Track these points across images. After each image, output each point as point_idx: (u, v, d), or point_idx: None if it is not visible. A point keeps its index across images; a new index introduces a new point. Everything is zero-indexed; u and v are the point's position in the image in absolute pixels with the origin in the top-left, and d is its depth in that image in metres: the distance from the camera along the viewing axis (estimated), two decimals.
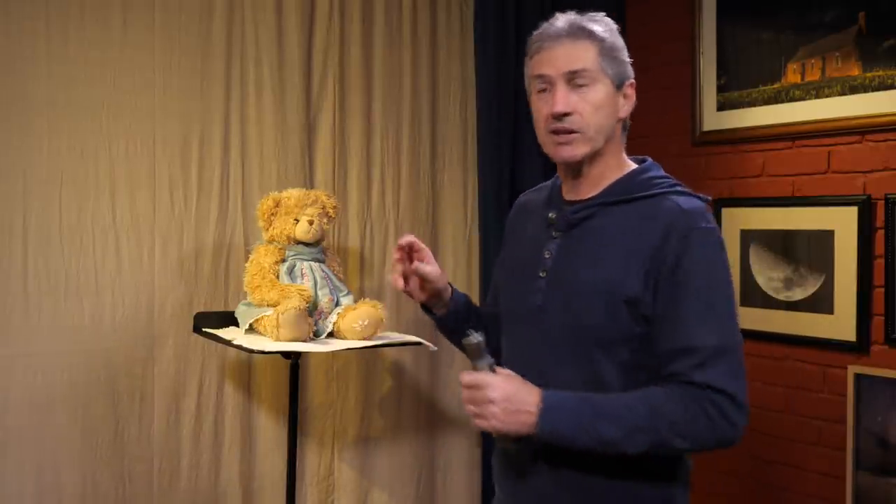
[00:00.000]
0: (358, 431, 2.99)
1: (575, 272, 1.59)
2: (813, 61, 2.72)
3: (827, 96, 2.67)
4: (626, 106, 1.63)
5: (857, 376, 2.57)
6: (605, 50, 1.58)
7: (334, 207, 2.64)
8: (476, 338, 1.52)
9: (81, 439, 2.55)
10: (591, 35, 1.58)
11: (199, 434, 2.72)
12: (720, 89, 2.98)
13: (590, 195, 1.64)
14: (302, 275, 2.54)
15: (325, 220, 2.61)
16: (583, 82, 1.57)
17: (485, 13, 3.04)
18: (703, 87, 3.02)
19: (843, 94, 2.63)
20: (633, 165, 1.67)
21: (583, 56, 1.56)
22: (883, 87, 2.53)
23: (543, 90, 1.60)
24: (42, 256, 2.50)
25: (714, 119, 3.00)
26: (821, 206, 2.69)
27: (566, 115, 1.56)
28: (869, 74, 2.56)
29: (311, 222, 2.54)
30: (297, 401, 2.57)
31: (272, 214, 2.57)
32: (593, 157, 1.61)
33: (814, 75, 2.72)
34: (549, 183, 1.77)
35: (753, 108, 2.88)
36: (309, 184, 2.88)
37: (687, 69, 3.08)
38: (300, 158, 2.87)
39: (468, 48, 3.13)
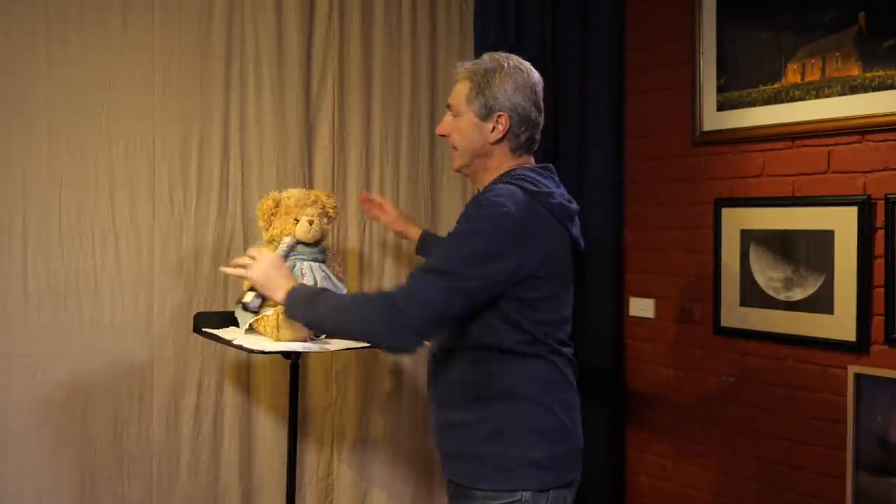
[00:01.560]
0: (357, 431, 3.00)
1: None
2: (813, 61, 2.72)
3: (827, 96, 2.67)
4: (492, 133, 1.97)
5: (857, 376, 2.57)
6: (476, 87, 1.97)
7: (334, 207, 2.64)
8: (287, 238, 2.34)
9: (81, 439, 2.56)
10: (467, 75, 1.99)
11: (199, 434, 2.73)
12: (720, 89, 2.98)
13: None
14: (302, 275, 2.54)
15: (325, 220, 2.60)
16: (454, 112, 2.01)
17: (485, 13, 3.04)
18: (703, 87, 3.02)
19: (843, 94, 2.63)
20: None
21: (457, 91, 2.00)
22: (883, 87, 2.53)
23: None
24: (42, 257, 2.50)
25: (714, 119, 3.00)
26: (821, 206, 2.69)
27: (444, 136, 2.03)
28: (869, 74, 2.56)
29: (311, 222, 2.54)
30: (296, 401, 2.57)
31: (272, 214, 2.57)
32: (471, 171, 2.03)
33: (814, 75, 2.71)
34: None
35: (753, 108, 2.88)
36: (308, 184, 2.88)
37: (687, 69, 3.08)
38: (300, 158, 2.87)
39: (468, 48, 3.13)
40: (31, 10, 2.48)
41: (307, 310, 1.94)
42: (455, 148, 2.01)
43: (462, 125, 1.99)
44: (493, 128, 1.97)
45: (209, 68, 2.73)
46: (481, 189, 2.01)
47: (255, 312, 2.24)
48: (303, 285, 2.03)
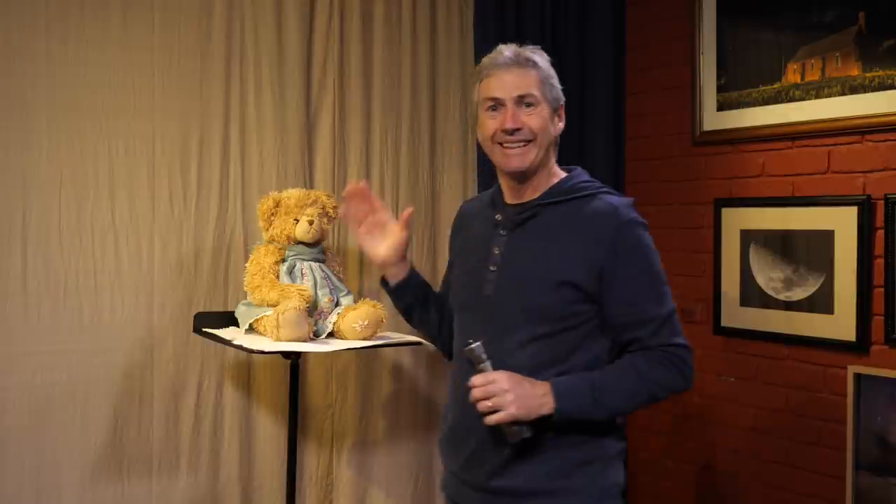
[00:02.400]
0: (357, 432, 2.99)
1: (525, 263, 1.83)
2: (813, 61, 2.72)
3: (827, 96, 2.67)
4: (559, 125, 1.89)
5: (857, 376, 2.57)
6: (544, 78, 1.85)
7: (334, 207, 2.64)
8: (476, 344, 1.75)
9: (81, 439, 2.56)
10: (534, 65, 1.85)
11: (199, 434, 2.72)
12: (720, 89, 2.98)
13: (531, 199, 1.88)
14: (302, 275, 2.54)
15: (325, 220, 2.61)
16: (530, 102, 1.83)
17: (485, 13, 3.04)
18: (703, 87, 3.02)
19: (842, 94, 2.63)
20: (563, 174, 1.92)
21: (529, 83, 1.83)
22: (883, 87, 2.53)
23: (493, 108, 1.85)
24: (42, 256, 2.50)
25: (714, 119, 3.00)
26: (820, 206, 2.69)
27: (517, 130, 1.82)
28: (869, 74, 2.56)
29: (311, 222, 2.54)
30: (296, 401, 2.57)
31: (272, 214, 2.58)
32: (536, 167, 1.85)
33: (814, 75, 2.72)
34: (488, 192, 2.02)
35: (753, 108, 2.88)
36: (309, 184, 2.88)
37: (687, 69, 3.08)
38: (300, 158, 2.87)
39: (468, 48, 3.13)
40: (31, 9, 2.48)
41: (595, 410, 1.75)
42: (528, 142, 1.82)
43: (539, 116, 1.84)
44: (559, 121, 1.89)
45: (209, 68, 2.73)
46: (529, 199, 1.86)
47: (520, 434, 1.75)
48: (561, 383, 1.74)
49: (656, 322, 1.79)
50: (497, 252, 1.86)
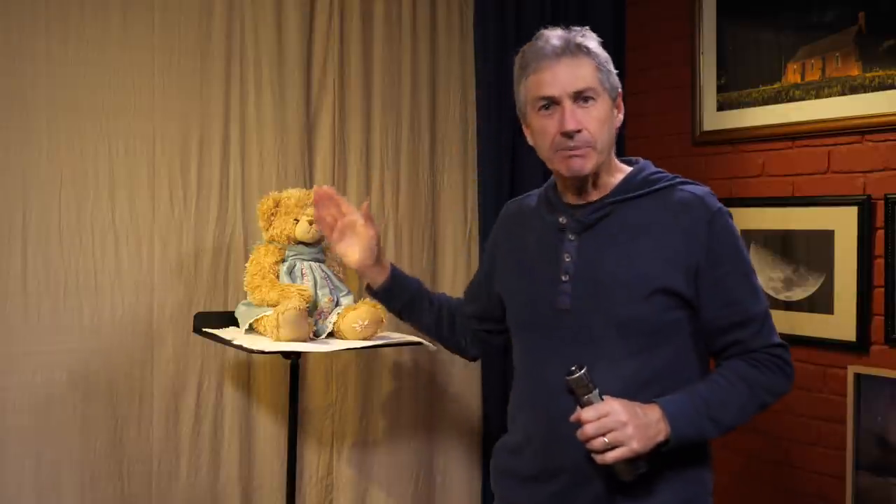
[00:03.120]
0: (357, 432, 2.99)
1: (607, 269, 1.63)
2: (813, 61, 2.72)
3: (827, 96, 2.67)
4: (619, 116, 1.70)
5: (857, 376, 2.57)
6: (601, 65, 1.64)
7: None
8: (581, 372, 1.52)
9: (81, 439, 2.55)
10: (588, 52, 1.63)
11: (199, 434, 2.72)
12: (720, 89, 2.98)
13: (598, 197, 1.68)
14: (302, 275, 2.54)
15: None
16: (588, 97, 1.62)
17: (485, 13, 3.04)
18: (703, 87, 3.02)
19: (842, 94, 2.63)
20: (627, 167, 1.73)
21: (585, 74, 1.61)
22: (883, 87, 2.53)
23: (546, 107, 1.64)
24: (42, 256, 2.50)
25: (714, 119, 3.00)
26: (820, 206, 2.69)
27: (577, 132, 1.61)
28: (869, 74, 2.56)
29: (311, 222, 2.54)
30: (296, 401, 2.57)
31: (272, 214, 2.58)
32: (598, 167, 1.66)
33: (814, 75, 2.72)
34: (538, 191, 1.82)
35: (753, 108, 2.88)
36: (309, 184, 2.88)
37: (687, 69, 3.08)
38: (300, 158, 2.87)
39: (468, 48, 3.13)
40: (31, 9, 2.47)
41: (709, 429, 1.59)
42: (585, 146, 1.61)
43: (600, 114, 1.62)
44: (619, 113, 1.68)
45: (209, 68, 2.72)
46: (597, 198, 1.67)
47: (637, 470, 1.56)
48: (670, 404, 1.55)
49: (757, 321, 1.64)
50: (568, 259, 1.66)
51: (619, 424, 1.48)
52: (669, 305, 1.61)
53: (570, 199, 1.71)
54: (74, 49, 2.53)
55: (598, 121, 1.62)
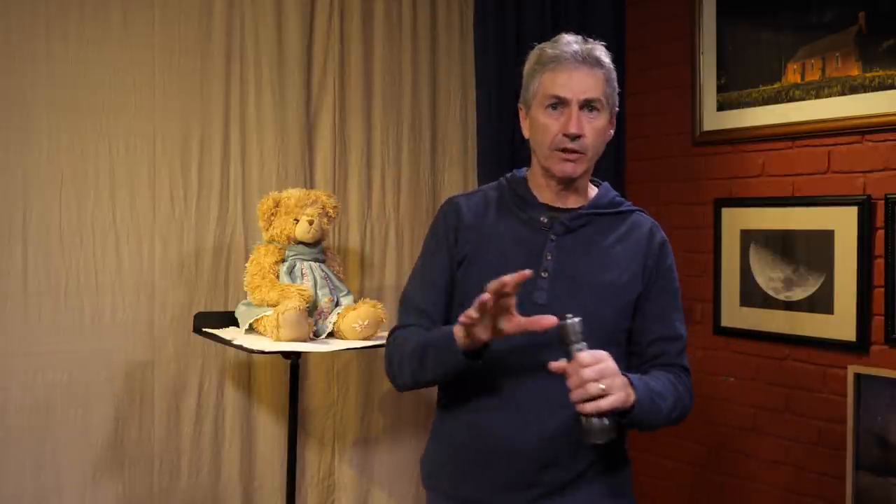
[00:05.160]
0: (358, 431, 2.99)
1: (583, 272, 1.74)
2: (813, 61, 2.72)
3: (827, 96, 2.68)
4: (611, 131, 1.80)
5: (857, 376, 2.57)
6: (610, 81, 1.75)
7: (334, 207, 2.64)
8: (578, 319, 1.53)
9: (82, 439, 2.55)
10: (603, 66, 1.74)
11: (199, 434, 2.72)
12: (720, 89, 2.98)
13: (578, 205, 1.80)
14: (302, 275, 2.54)
15: (325, 220, 2.61)
16: (594, 108, 1.72)
17: (485, 13, 3.04)
18: (703, 87, 3.02)
19: (842, 94, 2.63)
20: (594, 185, 1.86)
21: (597, 86, 1.71)
22: (883, 87, 2.53)
23: (554, 106, 1.72)
24: (42, 256, 2.50)
25: (714, 119, 3.00)
26: (820, 206, 2.69)
27: (578, 136, 1.70)
28: (869, 74, 2.57)
29: (311, 222, 2.54)
30: (297, 401, 2.57)
31: (272, 214, 2.58)
32: (584, 173, 1.78)
33: (814, 75, 2.72)
34: (485, 188, 1.88)
35: (753, 108, 2.88)
36: (309, 184, 2.88)
37: (687, 69, 3.08)
38: (300, 158, 2.87)
39: (468, 48, 3.13)
40: (31, 9, 2.47)
41: (654, 413, 1.65)
42: (580, 152, 1.71)
43: (600, 125, 1.73)
44: (611, 129, 1.79)
45: (209, 67, 2.73)
46: (577, 205, 1.78)
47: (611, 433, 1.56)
48: (634, 377, 1.61)
49: (681, 342, 1.81)
50: (549, 258, 1.73)
51: (613, 372, 1.53)
52: (626, 315, 1.77)
53: (547, 198, 1.79)
54: (74, 48, 2.53)
55: (597, 131, 1.73)
